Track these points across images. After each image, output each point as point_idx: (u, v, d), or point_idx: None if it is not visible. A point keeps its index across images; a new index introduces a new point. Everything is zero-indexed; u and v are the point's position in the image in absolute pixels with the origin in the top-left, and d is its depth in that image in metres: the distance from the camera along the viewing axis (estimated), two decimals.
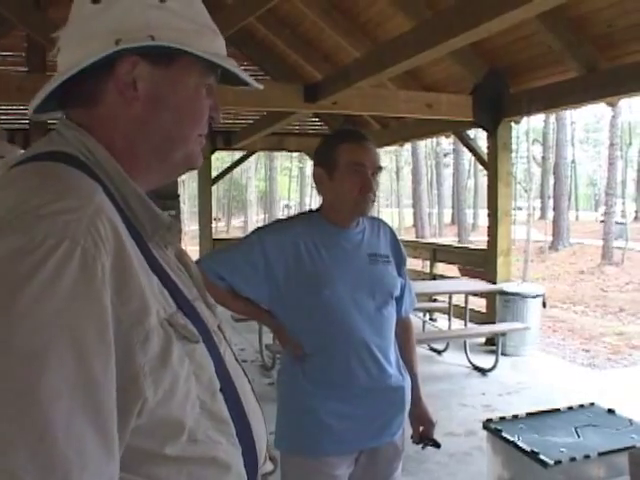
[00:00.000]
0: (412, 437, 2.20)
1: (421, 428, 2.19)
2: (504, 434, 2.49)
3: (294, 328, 2.04)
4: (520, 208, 31.00)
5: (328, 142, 2.08)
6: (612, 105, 7.30)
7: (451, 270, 9.54)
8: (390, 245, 2.15)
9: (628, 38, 5.68)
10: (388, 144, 10.67)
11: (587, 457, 2.34)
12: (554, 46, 6.15)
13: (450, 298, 7.51)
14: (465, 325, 7.21)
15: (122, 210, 0.84)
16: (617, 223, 25.55)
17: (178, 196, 9.21)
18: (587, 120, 47.94)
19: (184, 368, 0.82)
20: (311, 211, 2.18)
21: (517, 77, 6.95)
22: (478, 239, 22.50)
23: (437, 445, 2.16)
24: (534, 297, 7.12)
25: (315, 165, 2.07)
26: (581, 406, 2.87)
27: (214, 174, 11.58)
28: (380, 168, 2.04)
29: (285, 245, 2.00)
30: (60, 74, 0.89)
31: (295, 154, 29.62)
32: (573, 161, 43.32)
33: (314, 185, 2.09)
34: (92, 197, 0.78)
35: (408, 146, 33.84)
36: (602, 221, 24.90)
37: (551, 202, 29.69)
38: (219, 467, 0.87)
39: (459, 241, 26.34)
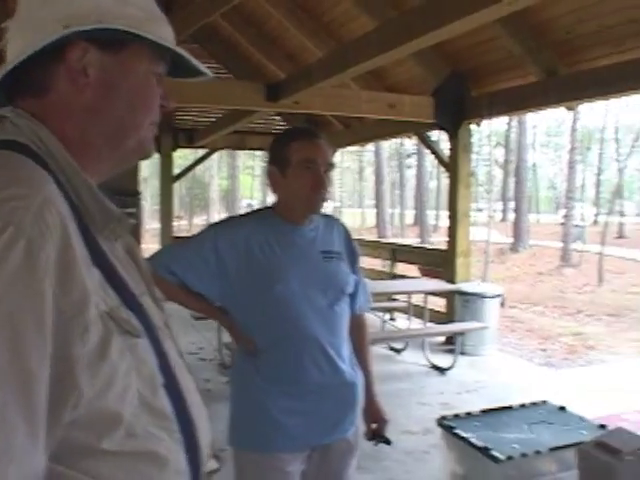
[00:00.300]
0: (365, 434, 2.22)
1: (374, 425, 2.21)
2: (457, 431, 2.53)
3: (246, 324, 2.04)
4: (481, 210, 31.38)
5: (280, 140, 2.09)
6: (571, 110, 7.43)
7: (411, 270, 9.62)
8: (343, 242, 2.16)
9: (587, 45, 5.79)
10: (350, 144, 10.72)
11: (538, 452, 2.38)
12: (515, 51, 6.24)
13: (409, 298, 7.57)
14: (424, 325, 7.27)
15: (72, 202, 0.83)
16: (576, 226, 26.02)
17: (139, 193, 9.12)
18: (549, 124, 48.70)
19: (124, 362, 0.81)
20: (265, 208, 2.19)
21: (479, 80, 7.03)
22: (439, 240, 22.66)
23: (388, 442, 2.18)
24: (492, 297, 7.22)
25: (268, 163, 2.08)
26: (534, 404, 2.92)
27: (176, 172, 11.51)
28: (332, 165, 2.05)
29: (237, 241, 2.00)
30: (8, 63, 0.89)
31: (258, 153, 29.57)
32: (534, 164, 43.96)
33: (267, 183, 2.09)
34: (42, 187, 0.78)
35: (371, 147, 34.06)
36: (562, 224, 25.31)
37: (512, 204, 30.10)
38: (159, 463, 0.86)
39: (421, 242, 26.52)
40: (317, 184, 2.00)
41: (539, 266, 20.79)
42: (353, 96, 7.38)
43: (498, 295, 7.39)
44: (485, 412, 2.78)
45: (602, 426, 2.66)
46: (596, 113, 41.65)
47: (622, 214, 32.36)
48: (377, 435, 2.19)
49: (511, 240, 26.63)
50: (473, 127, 7.83)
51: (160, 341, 0.93)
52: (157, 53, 0.96)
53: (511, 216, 29.85)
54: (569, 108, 7.25)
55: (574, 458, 2.02)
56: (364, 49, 5.17)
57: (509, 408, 2.84)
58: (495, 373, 6.53)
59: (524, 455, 2.38)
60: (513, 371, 6.77)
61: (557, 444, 2.40)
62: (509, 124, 33.61)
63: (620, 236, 30.62)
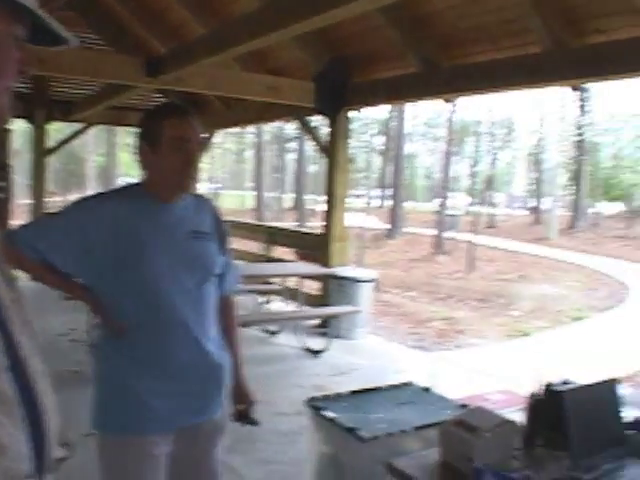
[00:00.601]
0: (232, 415, 2.21)
1: (241, 406, 2.20)
2: (325, 412, 2.57)
3: (112, 304, 1.97)
4: (360, 196, 31.96)
5: (152, 116, 2.04)
6: (449, 102, 7.67)
7: (288, 254, 9.67)
8: (213, 223, 2.13)
9: (466, 40, 5.98)
10: (231, 125, 10.61)
11: (403, 431, 2.46)
12: (396, 41, 6.36)
13: (285, 281, 7.61)
14: (299, 308, 7.34)
15: None
16: (450, 215, 27.02)
17: (7, 165, 8.67)
18: (428, 115, 50.07)
19: None
20: (134, 184, 2.11)
21: (360, 67, 7.12)
22: (317, 225, 22.91)
23: (255, 423, 2.18)
24: (367, 281, 7.37)
25: (138, 138, 2.01)
26: (400, 385, 3.01)
27: (50, 145, 11.02)
28: (203, 144, 2.02)
29: (104, 218, 1.93)
30: None
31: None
32: (413, 154, 45.19)
33: (137, 159, 2.02)
34: None
35: (252, 129, 33.91)
36: (436, 212, 26.18)
37: (390, 192, 30.84)
38: None
39: (299, 226, 26.72)
40: (188, 163, 1.96)
41: (414, 252, 21.44)
42: (234, 76, 7.31)
43: (372, 280, 7.56)
44: (354, 393, 2.84)
45: (464, 406, 2.76)
46: (473, 107, 43.24)
47: (493, 205, 33.89)
48: (244, 416, 2.19)
49: (388, 227, 27.31)
50: (353, 114, 7.94)
51: (5, 321, 0.88)
52: (14, 14, 0.89)
53: (388, 203, 30.57)
54: (447, 100, 7.49)
55: (437, 436, 2.10)
56: (245, 29, 5.12)
57: (377, 389, 2.91)
58: (368, 356, 6.68)
59: (390, 434, 2.45)
60: (386, 354, 6.95)
61: (421, 423, 2.48)
62: (390, 113, 34.35)
63: (491, 226, 32.06)
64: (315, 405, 2.63)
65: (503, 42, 5.67)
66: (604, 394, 2.38)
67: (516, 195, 53.18)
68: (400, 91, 6.81)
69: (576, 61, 5.19)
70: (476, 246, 18.55)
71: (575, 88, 7.45)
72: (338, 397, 2.77)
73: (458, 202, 36.10)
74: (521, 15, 5.35)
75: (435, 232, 23.27)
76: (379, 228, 27.28)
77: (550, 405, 2.28)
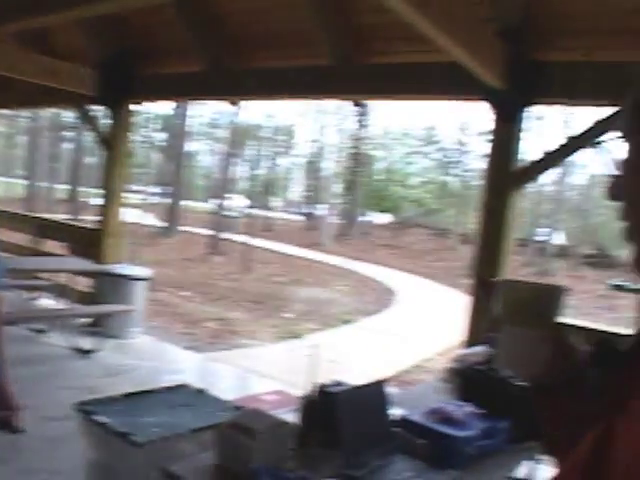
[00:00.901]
0: None
1: (2, 413, 2.03)
2: (96, 416, 2.43)
3: None
4: (138, 192, 31.14)
5: None
6: (235, 104, 7.70)
7: (59, 248, 9.13)
8: None
9: (259, 44, 6.04)
10: (3, 106, 9.82)
11: (179, 435, 2.41)
12: (187, 38, 6.26)
13: (54, 277, 7.19)
14: (69, 305, 6.96)
15: None
16: (227, 216, 27.16)
17: None
18: (211, 115, 49.90)
19: None
20: None
21: (148, 61, 6.91)
22: (91, 218, 21.96)
23: (19, 431, 2.02)
24: (141, 280, 7.17)
25: None
26: (175, 387, 2.94)
27: None
28: None
29: None
30: None
31: None
32: (193, 152, 44.81)
33: None
34: None
35: (27, 113, 31.74)
36: (215, 213, 26.20)
37: (168, 189, 30.39)
38: None
39: (72, 219, 25.42)
40: None
41: (190, 252, 21.26)
42: (9, 53, 6.76)
43: (147, 278, 7.37)
44: (127, 396, 2.73)
45: (239, 407, 2.77)
46: (256, 110, 43.91)
47: (271, 209, 34.60)
48: (6, 424, 2.02)
49: (164, 225, 26.86)
50: (136, 108, 7.69)
51: None
52: None
53: (166, 201, 30.09)
54: (233, 103, 7.51)
55: (214, 439, 2.08)
56: (18, 6, 4.74)
57: (151, 392, 2.83)
58: (142, 356, 6.50)
59: (165, 438, 2.38)
60: (160, 354, 6.82)
61: (197, 426, 2.44)
62: (175, 110, 33.79)
63: (267, 229, 32.70)
64: (85, 409, 2.49)
65: (293, 51, 5.79)
66: (373, 394, 2.50)
67: (293, 201, 54.73)
68: (186, 89, 6.74)
69: (360, 78, 5.45)
70: (252, 248, 18.82)
71: (356, 103, 7.80)
72: (110, 400, 2.65)
73: (236, 204, 36.41)
74: (312, 28, 5.51)
75: (212, 233, 23.26)
76: (155, 226, 26.73)
77: (323, 406, 2.35)
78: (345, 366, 6.95)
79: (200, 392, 2.93)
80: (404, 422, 2.53)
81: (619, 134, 0.85)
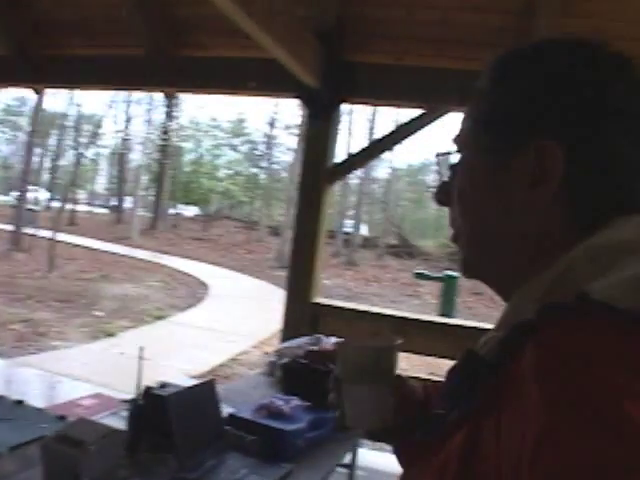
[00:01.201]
0: None
1: None
2: None
3: None
4: None
5: None
6: (38, 93, 7.28)
7: None
8: None
9: (66, 31, 5.72)
10: None
11: None
12: None
13: None
14: None
15: None
16: (29, 210, 25.59)
17: None
18: (10, 102, 46.80)
19: None
20: None
21: None
22: None
23: None
24: None
25: None
26: None
27: None
28: None
29: None
30: None
31: None
32: None
33: None
34: None
35: None
36: (14, 206, 24.60)
37: None
38: None
39: None
40: None
41: None
42: None
43: None
44: None
45: (62, 417, 2.64)
46: (60, 99, 41.61)
47: (75, 202, 33.04)
48: None
49: None
50: None
51: None
52: None
53: None
54: (36, 91, 7.10)
55: (38, 454, 1.97)
56: None
57: None
58: None
59: None
60: None
61: (18, 441, 2.29)
62: None
63: (72, 223, 31.23)
64: None
65: (105, 39, 5.56)
66: (203, 394, 2.49)
67: (98, 193, 52.75)
68: None
69: (173, 70, 5.35)
70: (57, 244, 17.91)
71: (168, 95, 7.64)
72: None
73: (38, 197, 34.44)
74: (126, 16, 5.32)
75: (12, 227, 21.81)
76: None
77: (152, 409, 2.31)
78: (160, 363, 6.83)
79: (19, 403, 2.75)
80: (233, 419, 2.55)
81: (453, 140, 0.92)
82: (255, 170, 41.27)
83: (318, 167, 4.88)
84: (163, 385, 2.49)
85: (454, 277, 12.95)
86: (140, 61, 5.42)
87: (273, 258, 26.07)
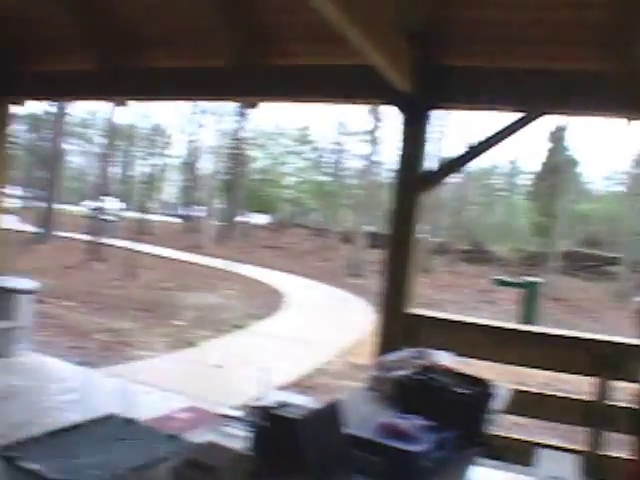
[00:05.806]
0: None
1: None
2: (22, 462, 2.13)
3: None
4: (10, 196, 29.51)
5: None
6: (122, 105, 7.35)
7: None
8: None
9: (153, 44, 5.75)
10: None
11: (119, 476, 2.16)
12: (74, 34, 5.90)
13: None
14: None
15: None
16: (106, 220, 26.19)
17: None
18: (84, 115, 48.11)
19: None
20: None
21: (29, 56, 6.42)
22: None
23: None
24: (26, 293, 6.71)
25: None
26: (102, 418, 2.68)
27: None
28: None
29: None
30: None
31: None
32: (67, 153, 42.96)
33: None
34: None
35: None
36: (91, 217, 25.21)
37: (41, 193, 28.94)
38: None
39: None
40: None
41: (69, 259, 20.26)
42: None
43: (32, 290, 6.89)
44: (52, 434, 2.43)
45: (171, 436, 2.56)
46: (130, 110, 42.56)
47: (150, 211, 33.71)
48: None
49: (38, 230, 25.53)
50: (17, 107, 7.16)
51: None
52: None
53: (38, 204, 28.59)
54: (120, 104, 7.17)
55: (165, 477, 1.88)
56: None
57: (77, 427, 2.55)
58: (31, 376, 6.07)
59: None
60: (50, 372, 6.39)
61: (137, 463, 2.21)
62: (46, 110, 32.19)
63: (147, 232, 31.78)
64: (7, 455, 2.19)
65: (190, 51, 5.56)
66: (329, 415, 2.38)
67: (169, 202, 53.65)
68: (73, 88, 6.35)
69: (259, 80, 5.31)
70: (134, 253, 18.20)
71: (250, 104, 7.62)
72: (34, 441, 2.35)
73: (112, 207, 35.27)
74: (210, 27, 5.31)
75: (90, 237, 22.29)
76: (27, 231, 25.30)
77: (281, 432, 2.20)
78: (248, 374, 6.78)
79: (130, 422, 2.68)
80: (354, 439, 2.42)
81: None
82: (322, 177, 41.29)
83: (412, 174, 4.75)
84: (282, 405, 2.38)
85: (536, 283, 12.61)
86: (223, 71, 5.40)
87: (346, 265, 26.00)
